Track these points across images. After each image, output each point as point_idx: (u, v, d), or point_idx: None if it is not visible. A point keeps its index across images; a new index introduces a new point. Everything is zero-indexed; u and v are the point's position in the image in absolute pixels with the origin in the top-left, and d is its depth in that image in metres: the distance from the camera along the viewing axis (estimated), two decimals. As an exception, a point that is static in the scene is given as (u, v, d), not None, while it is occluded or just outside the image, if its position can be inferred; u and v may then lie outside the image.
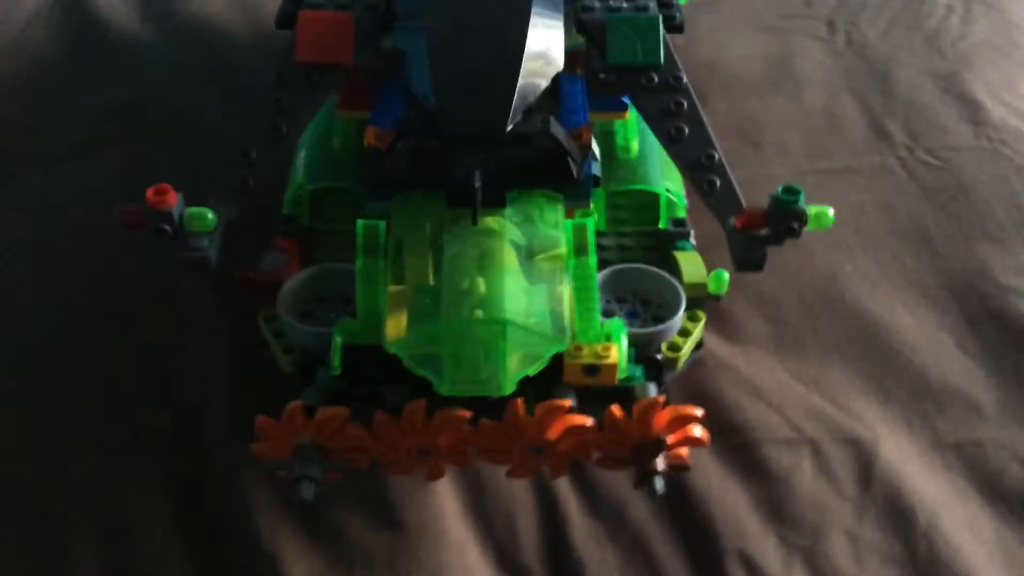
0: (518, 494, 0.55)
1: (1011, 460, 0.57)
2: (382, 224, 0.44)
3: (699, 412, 0.45)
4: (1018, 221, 0.68)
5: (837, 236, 0.66)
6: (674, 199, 0.55)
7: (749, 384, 0.59)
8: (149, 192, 0.44)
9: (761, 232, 0.45)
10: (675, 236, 0.55)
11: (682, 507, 0.54)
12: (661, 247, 0.54)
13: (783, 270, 0.65)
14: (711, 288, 0.51)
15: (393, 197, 0.47)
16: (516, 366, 0.42)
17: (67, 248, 0.65)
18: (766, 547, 0.53)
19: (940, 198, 0.70)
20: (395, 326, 0.43)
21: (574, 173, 0.45)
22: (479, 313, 0.41)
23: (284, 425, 0.45)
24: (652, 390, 0.47)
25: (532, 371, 0.43)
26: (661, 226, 0.55)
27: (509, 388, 0.42)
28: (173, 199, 0.44)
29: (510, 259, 0.43)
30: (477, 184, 0.42)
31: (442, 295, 0.42)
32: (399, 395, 0.46)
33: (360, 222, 0.43)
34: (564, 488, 0.55)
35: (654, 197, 0.55)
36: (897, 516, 0.54)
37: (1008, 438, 0.58)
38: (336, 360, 0.45)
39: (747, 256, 0.45)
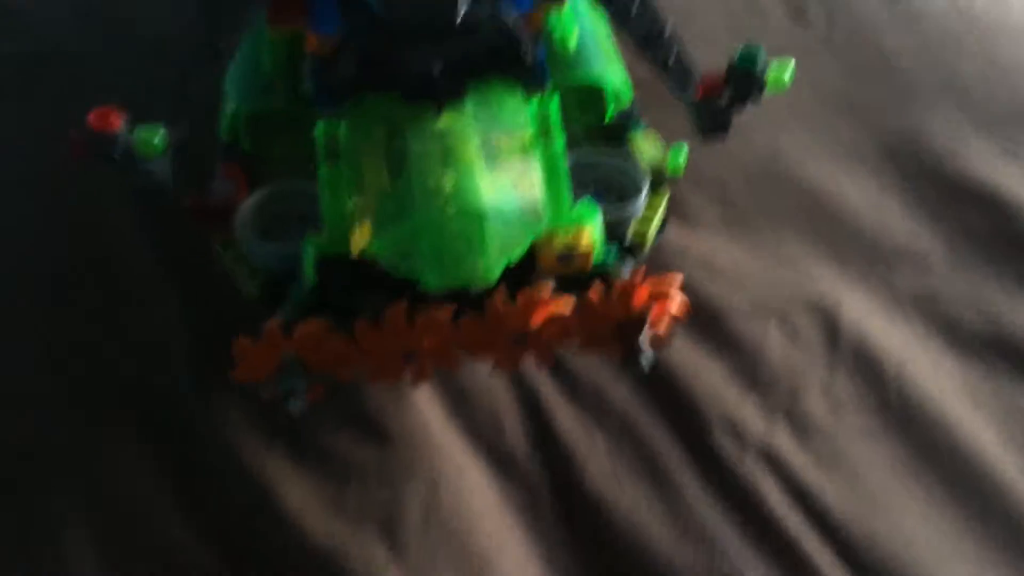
0: (499, 393, 0.55)
1: (966, 306, 0.59)
2: (343, 127, 0.43)
3: (677, 282, 0.46)
4: (944, 84, 0.70)
5: (772, 115, 0.67)
6: (619, 87, 0.55)
7: (708, 265, 0.60)
8: (91, 117, 0.42)
9: (722, 99, 0.45)
10: (625, 124, 0.55)
11: (662, 386, 0.55)
12: (614, 136, 0.54)
13: (724, 152, 0.65)
14: (670, 164, 0.52)
15: (343, 104, 0.46)
16: (497, 254, 0.42)
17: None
18: (747, 412, 0.54)
19: (866, 71, 0.71)
20: (366, 231, 0.42)
21: (527, 59, 0.45)
22: (452, 207, 0.41)
23: (263, 345, 0.44)
24: (627, 270, 0.47)
25: (514, 257, 0.43)
26: (608, 116, 0.55)
27: (494, 276, 0.42)
28: (117, 123, 0.42)
29: (476, 150, 0.43)
30: (437, 73, 0.42)
31: (413, 194, 0.42)
32: (375, 302, 0.45)
33: (320, 125, 0.43)
34: (544, 382, 0.56)
35: (599, 90, 0.55)
36: (866, 369, 0.56)
37: (960, 286, 0.60)
38: (310, 272, 0.44)
39: (712, 124, 0.46)
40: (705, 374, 0.56)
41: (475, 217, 0.41)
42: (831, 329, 0.57)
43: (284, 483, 0.51)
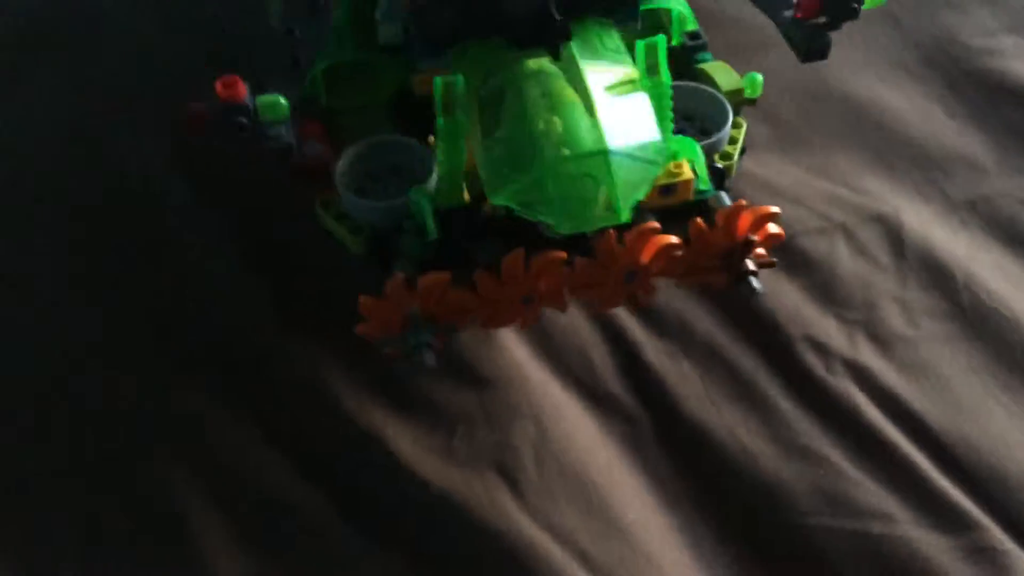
0: (583, 331, 0.57)
1: (1020, 206, 0.61)
2: (460, 79, 0.43)
3: (776, 209, 0.47)
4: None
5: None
6: (684, 12, 0.56)
7: (767, 186, 0.61)
8: (218, 86, 0.42)
9: (819, 20, 0.46)
10: (693, 50, 0.55)
11: (741, 309, 0.57)
12: (683, 63, 0.55)
13: (767, 73, 0.66)
14: (747, 92, 0.52)
15: (444, 53, 0.46)
16: (626, 192, 0.42)
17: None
18: (828, 328, 0.56)
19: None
20: (490, 182, 0.43)
21: None
22: (573, 149, 0.41)
23: (388, 301, 0.45)
24: (725, 199, 0.48)
25: (642, 196, 0.43)
26: (675, 42, 0.56)
27: (627, 216, 0.43)
28: (244, 90, 0.42)
29: (589, 91, 0.43)
30: (559, 17, 0.42)
31: (532, 142, 0.42)
32: (489, 250, 0.46)
33: (437, 79, 0.43)
34: (624, 317, 0.57)
35: (664, 15, 0.55)
36: (935, 276, 0.58)
37: (1012, 186, 0.62)
38: (431, 225, 0.44)
39: (812, 46, 0.46)
40: (782, 294, 0.57)
41: (599, 157, 0.41)
42: (895, 240, 0.59)
43: (393, 430, 0.52)
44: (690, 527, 0.50)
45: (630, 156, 0.42)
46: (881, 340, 0.55)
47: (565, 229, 0.42)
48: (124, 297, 0.56)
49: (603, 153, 0.41)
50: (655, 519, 0.50)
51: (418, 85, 0.52)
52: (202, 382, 0.53)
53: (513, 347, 0.56)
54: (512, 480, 0.51)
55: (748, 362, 0.55)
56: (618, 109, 0.43)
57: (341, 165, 0.49)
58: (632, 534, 0.49)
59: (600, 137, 0.41)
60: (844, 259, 0.59)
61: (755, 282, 0.47)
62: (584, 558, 0.48)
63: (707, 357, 0.55)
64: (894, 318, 0.56)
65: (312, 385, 0.54)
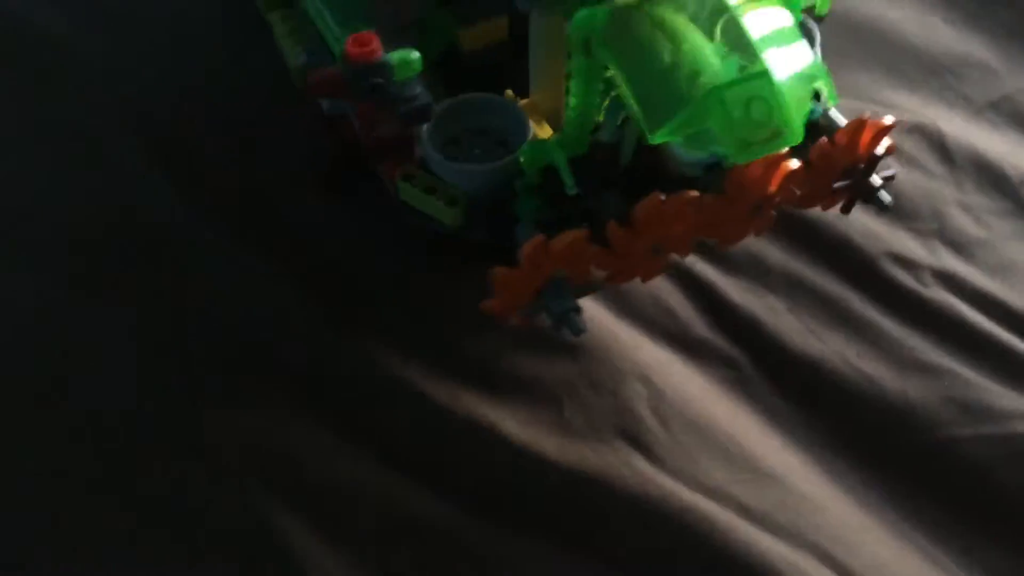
0: (653, 284, 0.54)
1: (1039, 99, 0.62)
2: (603, 11, 0.39)
3: (892, 119, 0.45)
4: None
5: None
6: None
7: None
8: (350, 47, 0.37)
9: None
10: None
11: (810, 237, 0.55)
12: None
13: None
14: (817, 10, 0.51)
15: None
16: (795, 109, 0.39)
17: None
18: (905, 241, 0.55)
19: None
20: (649, 119, 0.39)
21: None
22: (737, 72, 0.38)
23: (526, 267, 0.41)
24: (839, 117, 0.46)
25: (807, 112, 0.40)
26: None
27: (801, 135, 0.40)
28: (379, 47, 0.37)
29: (736, 11, 0.40)
30: None
31: (686, 73, 0.39)
32: (612, 201, 0.43)
33: (578, 15, 0.39)
34: (692, 262, 0.54)
35: None
36: (989, 176, 0.58)
37: (1025, 82, 0.63)
38: (570, 179, 0.41)
39: None
40: (851, 215, 0.55)
41: (763, 78, 0.38)
42: (939, 147, 0.59)
43: (495, 414, 0.48)
44: (829, 461, 0.48)
45: (791, 74, 0.39)
46: (959, 246, 0.55)
47: (740, 159, 0.39)
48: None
49: (766, 73, 0.38)
50: (794, 459, 0.48)
51: (467, 40, 0.49)
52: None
53: (591, 310, 0.52)
54: (641, 444, 0.48)
55: (834, 287, 0.53)
56: (767, 27, 0.40)
57: (425, 134, 0.44)
58: (779, 477, 0.47)
59: (760, 58, 0.38)
60: (898, 172, 0.57)
61: (885, 196, 0.45)
62: (743, 510, 0.46)
63: (790, 288, 0.53)
64: (964, 223, 0.56)
65: (400, 388, 0.49)
